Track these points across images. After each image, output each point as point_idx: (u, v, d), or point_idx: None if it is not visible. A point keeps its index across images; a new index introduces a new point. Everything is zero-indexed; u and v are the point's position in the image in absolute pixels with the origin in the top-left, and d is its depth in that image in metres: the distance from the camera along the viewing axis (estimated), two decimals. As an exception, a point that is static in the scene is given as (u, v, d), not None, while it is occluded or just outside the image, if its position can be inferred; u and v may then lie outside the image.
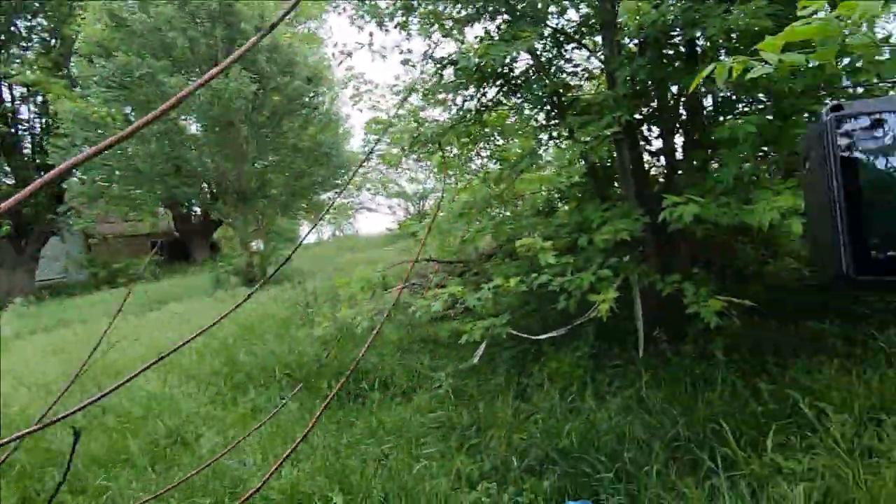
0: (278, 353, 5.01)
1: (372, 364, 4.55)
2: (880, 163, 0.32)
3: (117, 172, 15.44)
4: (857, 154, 0.32)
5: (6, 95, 20.10)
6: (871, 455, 2.40)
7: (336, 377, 4.41)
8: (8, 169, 20.68)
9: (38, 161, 18.80)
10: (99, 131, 12.97)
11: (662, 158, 4.83)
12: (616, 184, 4.99)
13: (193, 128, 16.52)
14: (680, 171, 4.17)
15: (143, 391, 4.45)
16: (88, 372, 5.08)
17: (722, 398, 3.07)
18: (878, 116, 0.32)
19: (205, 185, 16.71)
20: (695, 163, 3.90)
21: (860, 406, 2.74)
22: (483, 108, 5.09)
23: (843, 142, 0.32)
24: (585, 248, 3.72)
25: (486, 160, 7.04)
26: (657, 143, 4.88)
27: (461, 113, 5.05)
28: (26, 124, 20.83)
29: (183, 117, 14.31)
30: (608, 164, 5.09)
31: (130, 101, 12.66)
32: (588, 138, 3.33)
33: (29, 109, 20.67)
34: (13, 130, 20.37)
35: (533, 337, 4.03)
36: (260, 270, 13.23)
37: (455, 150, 6.23)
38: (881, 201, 0.32)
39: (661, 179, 5.08)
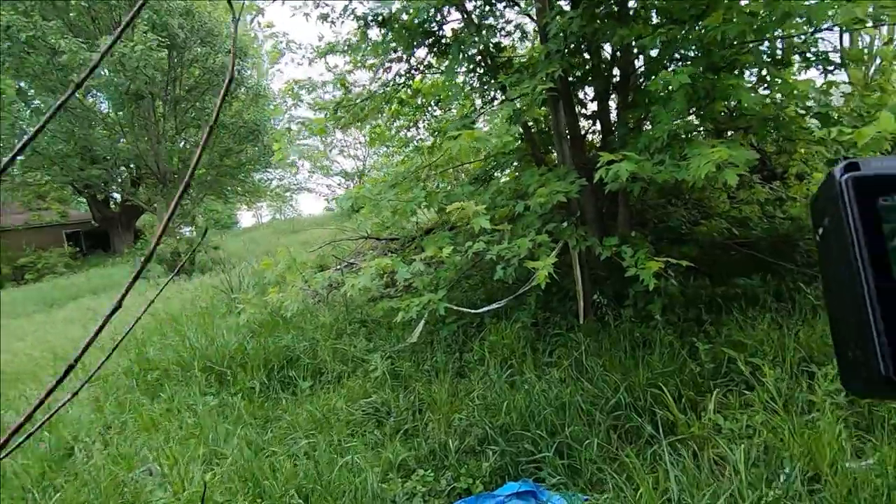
0: (199, 345, 4.55)
1: (303, 350, 4.21)
2: None
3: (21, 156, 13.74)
4: (886, 224, 0.25)
5: None
6: (805, 408, 2.39)
7: (261, 367, 4.03)
8: None
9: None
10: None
11: (598, 123, 4.72)
12: (553, 149, 4.84)
13: (104, 106, 14.98)
14: (615, 131, 4.05)
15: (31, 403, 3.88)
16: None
17: (661, 360, 3.01)
18: None
19: (122, 168, 15.29)
20: (629, 123, 3.78)
21: (791, 360, 2.74)
22: (413, 72, 4.75)
23: (864, 209, 0.25)
24: (524, 214, 3.54)
25: (424, 132, 6.71)
26: (592, 107, 4.75)
27: (389, 79, 4.69)
28: None
29: (90, 94, 12.87)
30: (545, 130, 4.93)
31: (23, 71, 11.16)
32: (521, 95, 3.10)
33: None
34: None
35: (472, 311, 3.83)
36: (188, 259, 12.29)
37: (385, 119, 5.85)
38: None
39: (598, 144, 4.99)
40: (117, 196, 21.54)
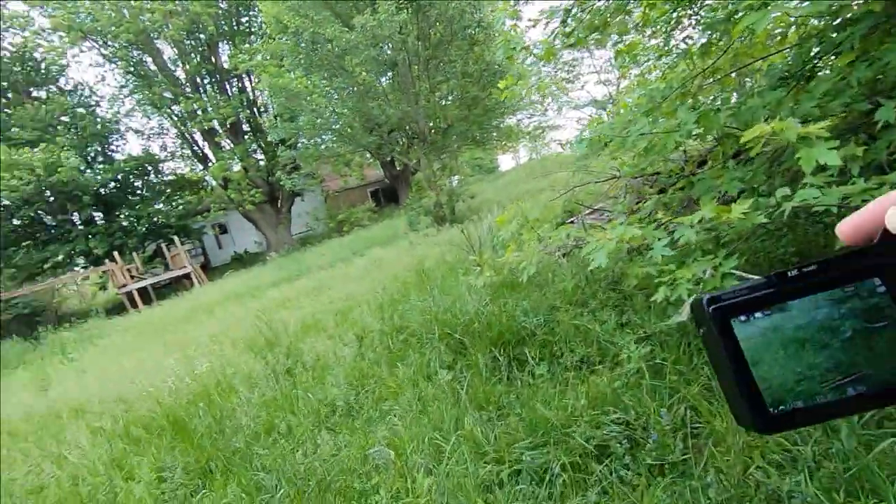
0: (438, 308, 4.47)
1: (537, 325, 3.62)
2: (756, 331, 0.37)
3: (327, 136, 17.22)
4: (738, 328, 0.37)
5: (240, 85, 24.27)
6: None
7: (495, 342, 3.62)
8: (256, 146, 25.34)
9: (266, 138, 22.07)
10: (301, 101, 14.37)
11: None
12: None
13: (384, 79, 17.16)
14: None
15: (313, 350, 4.46)
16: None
17: None
18: (750, 297, 0.37)
19: (395, 133, 17.45)
20: None
21: None
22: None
23: (722, 321, 0.37)
24: (893, 124, 1.98)
25: (691, 32, 4.96)
26: None
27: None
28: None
29: (359, 73, 14.79)
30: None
31: (312, 67, 13.43)
32: None
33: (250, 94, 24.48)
34: (253, 112, 24.62)
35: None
36: (448, 209, 13.25)
37: (635, 24, 4.44)
38: (766, 364, 0.36)
39: None
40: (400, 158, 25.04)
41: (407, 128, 15.06)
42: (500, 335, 3.65)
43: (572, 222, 6.44)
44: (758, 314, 0.37)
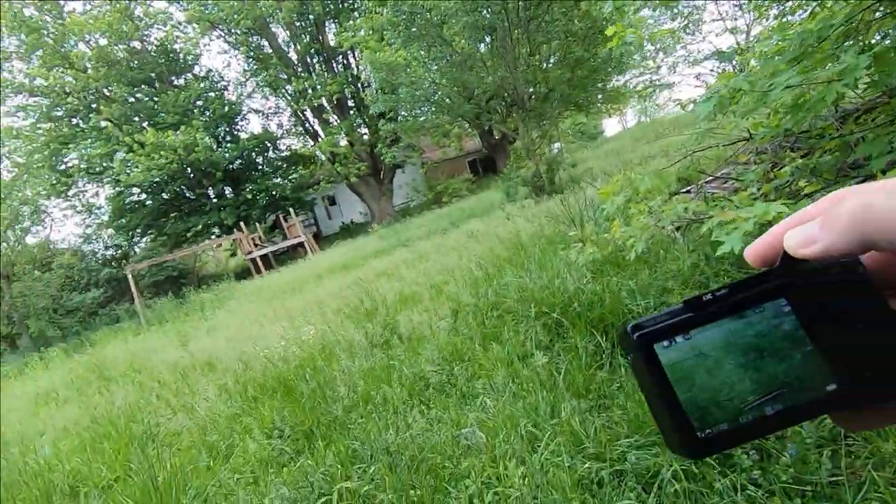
0: (535, 285, 4.26)
1: (645, 309, 3.27)
2: (678, 355, 0.37)
3: (426, 108, 17.35)
4: (662, 354, 0.37)
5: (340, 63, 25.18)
6: None
7: (597, 324, 3.34)
8: (360, 121, 26.35)
9: (369, 112, 22.77)
10: (396, 74, 14.53)
11: None
12: None
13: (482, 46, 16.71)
14: None
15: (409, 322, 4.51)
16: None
17: None
18: (670, 322, 0.38)
19: (492, 101, 17.02)
20: None
21: None
22: None
23: (647, 350, 0.38)
24: None
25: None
26: None
27: None
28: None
29: (457, 42, 14.45)
30: None
31: (410, 41, 13.38)
32: None
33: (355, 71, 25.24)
34: (357, 88, 25.53)
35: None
36: (547, 179, 12.69)
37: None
38: (690, 388, 0.37)
39: None
40: (497, 127, 24.52)
41: (505, 95, 14.57)
42: (602, 317, 3.37)
43: (688, 192, 5.78)
44: (678, 338, 0.37)
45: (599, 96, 20.07)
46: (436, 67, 14.50)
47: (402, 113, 20.07)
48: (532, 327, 3.71)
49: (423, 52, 13.42)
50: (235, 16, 22.29)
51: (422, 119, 19.42)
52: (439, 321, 4.48)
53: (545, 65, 15.42)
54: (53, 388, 7.69)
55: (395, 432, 2.80)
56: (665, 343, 0.37)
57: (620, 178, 3.72)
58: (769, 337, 0.36)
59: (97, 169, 22.60)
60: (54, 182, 22.74)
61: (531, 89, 13.72)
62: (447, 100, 14.33)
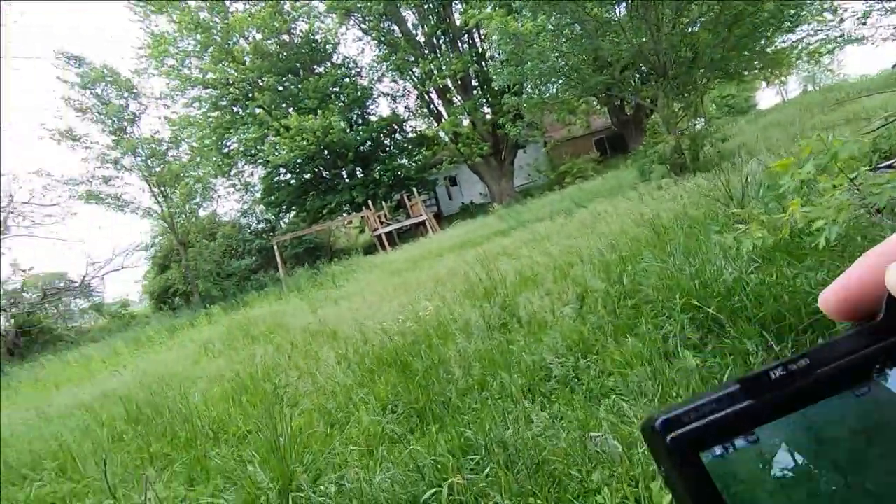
0: (681, 273, 3.64)
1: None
2: (741, 469, 0.24)
3: (551, 83, 16.49)
4: (714, 468, 0.25)
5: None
6: None
7: (768, 324, 2.68)
8: (483, 100, 26.13)
9: (493, 88, 22.33)
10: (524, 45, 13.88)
11: None
12: None
13: (619, 10, 15.23)
14: None
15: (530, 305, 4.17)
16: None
17: None
18: (721, 416, 0.25)
19: (627, 71, 15.53)
20: None
21: None
22: None
23: (684, 455, 0.25)
24: None
25: None
26: None
27: None
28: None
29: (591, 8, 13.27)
30: None
31: (537, 5, 12.63)
32: None
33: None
34: (482, 66, 25.26)
35: None
36: (690, 155, 11.23)
37: None
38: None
39: None
40: (631, 99, 22.52)
41: (643, 63, 13.16)
42: (777, 316, 2.70)
43: (889, 166, 4.58)
44: (739, 441, 0.24)
45: (756, 62, 17.19)
46: (564, 38, 13.57)
47: (528, 89, 19.35)
48: (678, 322, 3.14)
49: (551, 25, 12.60)
50: (369, 2, 23.28)
51: (547, 96, 18.54)
52: (563, 307, 4.07)
53: (691, 28, 13.56)
54: (211, 341, 8.80)
55: (512, 426, 2.51)
56: (716, 451, 0.24)
57: (810, 143, 2.93)
58: (887, 432, 0.23)
59: (252, 151, 25.51)
60: (220, 163, 26.20)
61: (673, 55, 12.17)
62: (576, 73, 13.35)
